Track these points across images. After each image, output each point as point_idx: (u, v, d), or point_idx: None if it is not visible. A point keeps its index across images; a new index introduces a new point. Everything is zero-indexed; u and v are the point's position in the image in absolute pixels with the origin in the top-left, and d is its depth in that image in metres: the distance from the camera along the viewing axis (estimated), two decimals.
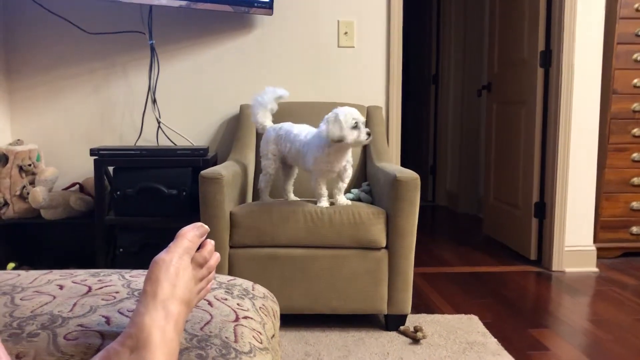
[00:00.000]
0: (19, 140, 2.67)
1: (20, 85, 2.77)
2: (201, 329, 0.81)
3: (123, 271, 1.05)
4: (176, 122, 2.81)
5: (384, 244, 2.07)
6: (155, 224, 2.49)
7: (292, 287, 2.07)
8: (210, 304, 0.90)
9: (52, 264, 2.59)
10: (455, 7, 4.75)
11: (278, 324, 1.07)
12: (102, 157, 2.41)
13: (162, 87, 2.78)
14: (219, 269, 2.02)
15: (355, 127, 1.96)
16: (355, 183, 2.53)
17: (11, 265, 2.54)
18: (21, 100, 2.78)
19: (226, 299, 0.94)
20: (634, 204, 3.17)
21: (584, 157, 2.94)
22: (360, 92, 2.86)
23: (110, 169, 2.55)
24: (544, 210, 3.08)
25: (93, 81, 2.80)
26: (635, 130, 3.12)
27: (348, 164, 2.12)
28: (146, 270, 0.75)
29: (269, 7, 2.68)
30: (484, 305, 2.43)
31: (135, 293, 0.91)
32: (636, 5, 3.04)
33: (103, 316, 0.81)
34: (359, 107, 2.17)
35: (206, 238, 0.81)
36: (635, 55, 3.07)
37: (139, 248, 2.50)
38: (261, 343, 0.85)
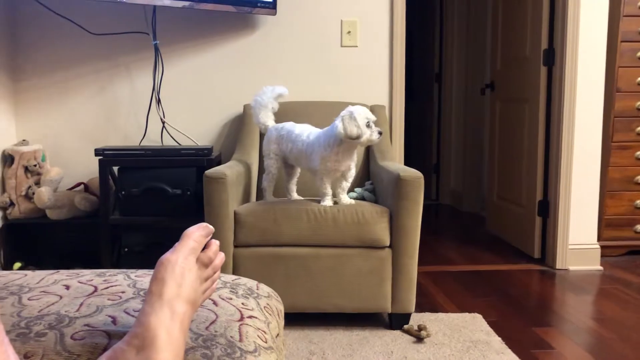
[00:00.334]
0: (24, 140, 2.69)
1: (25, 86, 2.79)
2: (206, 328, 0.82)
3: (128, 271, 1.05)
4: (180, 122, 2.82)
5: (387, 243, 2.07)
6: (159, 224, 2.50)
7: (296, 286, 2.08)
8: (215, 303, 0.91)
9: (58, 263, 2.61)
10: (458, 6, 4.74)
11: (282, 323, 1.08)
12: (107, 157, 2.42)
13: (166, 87, 2.79)
14: (223, 269, 2.03)
15: (368, 125, 1.98)
16: (358, 182, 2.54)
17: (17, 265, 2.56)
18: (26, 101, 2.79)
19: (231, 299, 0.95)
20: (638, 202, 3.16)
21: (587, 155, 2.94)
22: (364, 92, 2.86)
23: (115, 169, 2.56)
24: (547, 209, 3.08)
25: (98, 82, 2.81)
26: (639, 129, 3.11)
27: (353, 163, 2.13)
28: (151, 270, 0.76)
29: (272, 7, 2.68)
30: (487, 303, 2.43)
31: (141, 293, 0.91)
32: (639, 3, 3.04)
33: (109, 316, 0.82)
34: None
35: (211, 238, 0.82)
36: (639, 53, 3.06)
37: (144, 248, 2.52)
38: (266, 342, 0.86)
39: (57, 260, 2.70)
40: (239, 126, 2.75)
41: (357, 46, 2.86)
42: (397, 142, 2.87)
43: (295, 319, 2.12)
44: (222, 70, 2.84)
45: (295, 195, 2.31)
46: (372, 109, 2.72)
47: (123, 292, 0.92)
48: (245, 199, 2.33)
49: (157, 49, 2.70)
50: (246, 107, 2.71)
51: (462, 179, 4.83)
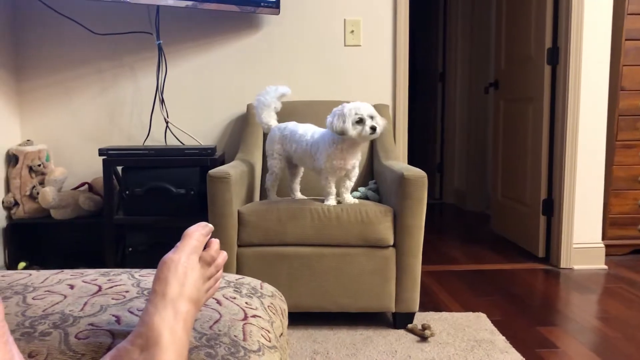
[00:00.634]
0: (28, 140, 2.70)
1: (29, 86, 2.80)
2: (210, 327, 0.82)
3: (132, 270, 1.06)
4: (184, 121, 2.83)
5: (391, 242, 2.07)
6: (163, 223, 2.51)
7: (299, 285, 2.08)
8: (219, 302, 0.91)
9: (62, 263, 2.62)
10: (462, 5, 4.73)
11: (286, 322, 1.08)
12: (111, 157, 2.43)
13: (169, 86, 2.80)
14: (227, 268, 2.03)
15: (360, 121, 1.97)
16: (362, 181, 2.53)
17: (22, 264, 2.57)
18: (30, 101, 2.80)
19: (235, 298, 0.95)
20: None
21: (592, 153, 2.93)
22: (367, 91, 2.86)
23: (119, 168, 2.57)
24: (552, 208, 3.07)
25: (101, 82, 2.82)
26: None
27: (357, 161, 2.13)
28: (155, 270, 0.76)
29: (275, 7, 2.69)
30: (492, 302, 2.43)
31: (145, 292, 0.92)
32: None
33: (113, 315, 0.82)
34: None
35: (210, 237, 0.82)
36: None
37: (148, 247, 2.52)
38: (270, 341, 0.86)
39: (62, 259, 2.71)
40: (243, 126, 2.75)
41: (360, 45, 2.86)
42: (401, 141, 2.86)
43: (299, 318, 2.12)
44: (226, 69, 2.84)
45: (299, 195, 2.31)
46: (376, 108, 2.71)
47: (127, 291, 0.92)
48: (249, 198, 2.33)
49: (160, 49, 2.70)
50: (249, 107, 2.71)
51: (466, 178, 4.82)
